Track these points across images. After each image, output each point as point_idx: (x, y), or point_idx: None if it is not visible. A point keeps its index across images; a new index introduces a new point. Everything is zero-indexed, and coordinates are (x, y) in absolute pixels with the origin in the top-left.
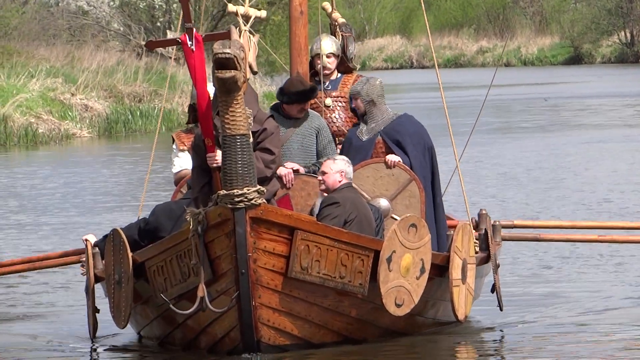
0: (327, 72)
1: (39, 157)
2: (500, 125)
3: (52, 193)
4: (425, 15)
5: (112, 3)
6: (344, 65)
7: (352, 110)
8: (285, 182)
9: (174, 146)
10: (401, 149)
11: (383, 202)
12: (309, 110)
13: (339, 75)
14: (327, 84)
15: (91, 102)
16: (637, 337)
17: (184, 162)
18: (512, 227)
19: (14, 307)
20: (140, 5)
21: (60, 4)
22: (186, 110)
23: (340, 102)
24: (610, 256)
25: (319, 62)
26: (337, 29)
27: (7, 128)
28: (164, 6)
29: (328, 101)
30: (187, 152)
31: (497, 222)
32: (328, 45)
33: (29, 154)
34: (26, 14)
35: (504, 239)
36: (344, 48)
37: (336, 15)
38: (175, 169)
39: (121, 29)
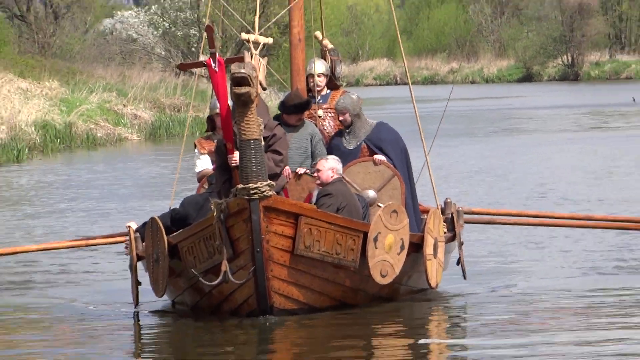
0: (318, 88)
1: (97, 156)
2: (465, 131)
3: (106, 184)
4: (401, 44)
5: (155, 32)
6: (332, 83)
7: (340, 120)
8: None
9: (196, 150)
10: (383, 152)
11: (371, 193)
12: (304, 119)
13: (329, 91)
14: (318, 98)
15: (139, 112)
16: (577, 303)
17: (204, 163)
18: (471, 214)
19: (71, 281)
20: (178, 34)
21: (114, 33)
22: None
23: (329, 112)
24: (555, 238)
25: (312, 80)
26: (327, 53)
27: (72, 132)
28: (197, 34)
29: (320, 112)
30: (206, 155)
31: (460, 208)
32: (319, 66)
33: (89, 153)
34: (87, 41)
35: (465, 222)
36: (332, 69)
37: (326, 42)
38: (197, 169)
39: (163, 53)
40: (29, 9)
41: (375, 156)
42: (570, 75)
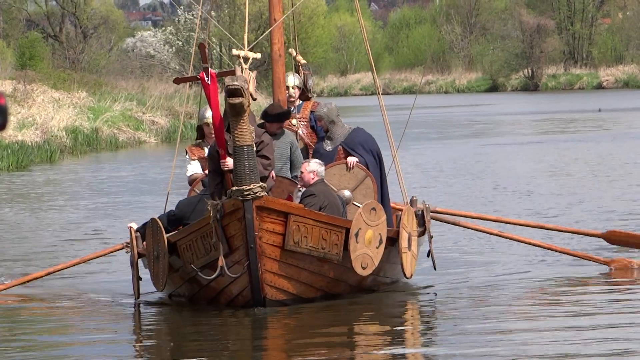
0: (292, 99)
1: (120, 156)
2: (438, 135)
3: (126, 182)
4: (371, 59)
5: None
6: (305, 94)
7: (312, 128)
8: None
9: (187, 156)
10: (356, 153)
11: (346, 193)
12: (284, 128)
13: (301, 102)
14: (292, 108)
15: (156, 118)
16: (538, 290)
17: (195, 168)
18: (434, 212)
19: (75, 274)
20: (191, 51)
21: (134, 50)
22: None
23: (302, 121)
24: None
25: (286, 92)
26: (300, 68)
27: (98, 137)
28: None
29: (294, 121)
30: (196, 161)
31: (427, 205)
32: (292, 80)
33: (112, 154)
34: (111, 57)
35: (432, 219)
36: (304, 82)
37: (299, 57)
38: (188, 173)
39: (177, 67)
40: (61, 30)
41: (348, 158)
42: (531, 86)
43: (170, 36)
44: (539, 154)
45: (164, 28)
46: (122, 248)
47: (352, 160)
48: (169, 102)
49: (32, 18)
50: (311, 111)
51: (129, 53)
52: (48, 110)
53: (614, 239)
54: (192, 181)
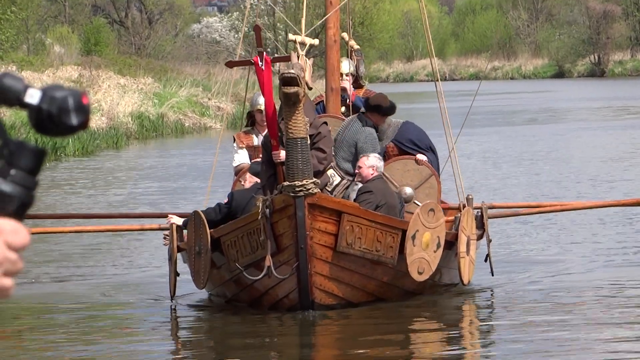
0: (344, 87)
1: (186, 142)
2: (500, 122)
3: (192, 167)
4: (431, 45)
5: (236, 35)
6: (357, 81)
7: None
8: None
9: (234, 144)
10: (409, 151)
11: (408, 190)
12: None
13: (353, 89)
14: (344, 96)
15: (222, 104)
16: (599, 294)
17: (242, 157)
18: (492, 208)
19: (105, 267)
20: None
21: (200, 36)
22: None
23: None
24: (577, 226)
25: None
26: (353, 54)
27: (164, 122)
28: (272, 37)
29: (343, 109)
30: (244, 149)
31: (484, 204)
32: (345, 66)
33: (178, 140)
34: (177, 43)
35: (489, 218)
36: (357, 68)
37: (352, 42)
38: (235, 163)
39: (243, 53)
40: (127, 16)
41: (418, 155)
42: (597, 72)
43: (236, 22)
44: (604, 140)
45: (230, 14)
46: (159, 228)
47: (422, 157)
48: (235, 88)
49: (98, 3)
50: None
51: (195, 39)
52: (114, 96)
53: None
54: (238, 171)
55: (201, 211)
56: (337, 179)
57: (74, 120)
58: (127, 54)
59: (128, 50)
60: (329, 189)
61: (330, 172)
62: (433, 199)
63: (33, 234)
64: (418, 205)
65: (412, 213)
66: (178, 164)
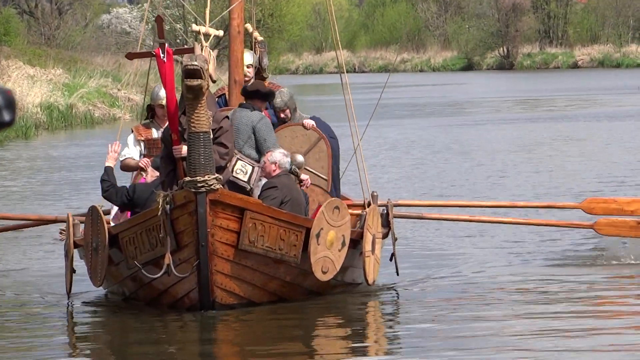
0: (247, 79)
1: (95, 133)
2: (407, 114)
3: (94, 158)
4: (338, 36)
5: (146, 26)
6: (260, 74)
7: (282, 117)
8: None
9: (131, 136)
10: None
11: (299, 157)
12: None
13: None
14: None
15: (131, 95)
16: (504, 290)
17: (131, 152)
18: (397, 206)
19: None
20: (166, 28)
21: (110, 27)
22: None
23: None
24: (484, 231)
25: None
26: (257, 46)
27: (73, 113)
28: (182, 29)
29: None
30: (141, 142)
31: (390, 202)
32: (248, 58)
33: (87, 131)
34: (87, 33)
35: (394, 217)
36: (259, 60)
37: (255, 34)
38: (121, 158)
39: (152, 44)
40: (36, 6)
41: (305, 121)
42: (506, 65)
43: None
44: (513, 133)
45: (139, 5)
46: (55, 220)
47: (309, 122)
48: (144, 79)
49: None
50: None
51: (105, 29)
52: (23, 87)
53: (592, 207)
54: (124, 165)
55: (103, 195)
56: (249, 168)
57: (6, 116)
58: (37, 44)
59: (38, 41)
60: (245, 179)
61: (240, 163)
62: (323, 162)
63: None
64: (310, 171)
65: (305, 179)
66: (78, 154)
